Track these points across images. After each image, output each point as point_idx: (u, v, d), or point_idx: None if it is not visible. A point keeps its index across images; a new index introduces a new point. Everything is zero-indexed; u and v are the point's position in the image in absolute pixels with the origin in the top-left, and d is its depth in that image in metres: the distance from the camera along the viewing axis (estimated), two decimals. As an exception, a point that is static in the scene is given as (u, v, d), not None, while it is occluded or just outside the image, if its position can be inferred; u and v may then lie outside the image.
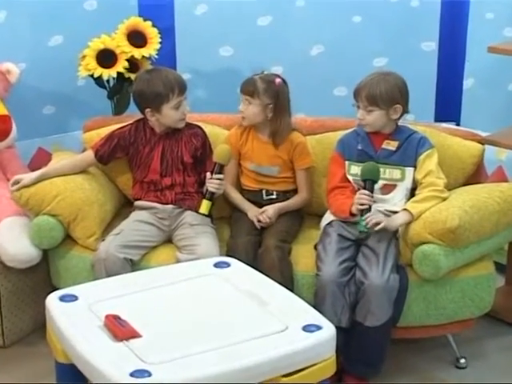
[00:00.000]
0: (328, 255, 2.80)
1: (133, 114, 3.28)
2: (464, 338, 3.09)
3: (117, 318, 2.24)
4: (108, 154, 3.12)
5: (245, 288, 2.46)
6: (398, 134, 2.94)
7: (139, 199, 3.12)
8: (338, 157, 3.00)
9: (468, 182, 3.10)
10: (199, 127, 3.17)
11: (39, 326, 3.09)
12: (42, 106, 3.71)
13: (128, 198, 3.27)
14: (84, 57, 3.45)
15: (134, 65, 3.48)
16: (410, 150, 2.91)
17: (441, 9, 3.71)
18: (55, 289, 2.65)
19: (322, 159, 3.18)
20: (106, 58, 3.43)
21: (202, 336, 2.21)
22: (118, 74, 3.45)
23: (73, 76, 3.52)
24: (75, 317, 2.31)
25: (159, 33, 3.50)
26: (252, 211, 3.07)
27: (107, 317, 2.24)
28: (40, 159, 3.63)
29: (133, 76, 3.40)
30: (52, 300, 2.41)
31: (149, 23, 3.50)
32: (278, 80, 3.09)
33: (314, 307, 2.45)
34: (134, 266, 2.87)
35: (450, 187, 2.94)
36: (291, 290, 2.59)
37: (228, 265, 2.63)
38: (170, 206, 3.06)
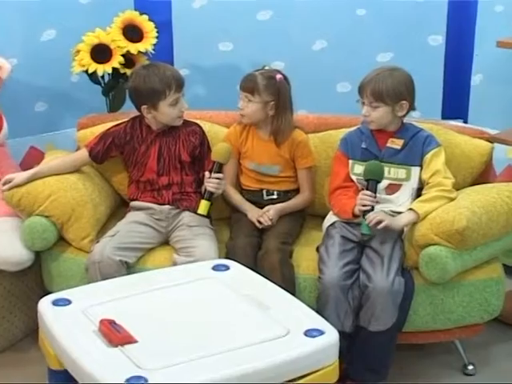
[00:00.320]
0: (331, 258, 2.80)
1: (128, 111, 3.29)
2: (472, 344, 3.09)
3: (112, 322, 2.24)
4: (103, 153, 3.13)
5: (244, 292, 2.47)
6: (404, 132, 2.94)
7: (135, 199, 3.13)
8: (341, 156, 3.01)
9: (476, 182, 3.10)
10: (197, 125, 3.17)
11: (31, 331, 3.10)
12: (34, 102, 3.72)
13: (123, 199, 3.27)
14: (78, 52, 3.46)
15: (129, 60, 3.48)
16: (415, 148, 2.92)
17: (448, 1, 3.72)
18: (48, 292, 2.66)
19: (325, 158, 3.19)
20: (100, 53, 3.44)
21: (199, 341, 2.21)
22: (113, 69, 3.45)
23: (66, 72, 3.53)
24: (69, 322, 2.31)
25: (156, 27, 3.51)
26: (252, 212, 3.08)
27: (102, 321, 2.25)
28: (32, 158, 3.64)
29: (128, 72, 3.41)
30: (44, 304, 2.42)
31: (145, 17, 3.51)
32: (279, 76, 3.09)
33: (317, 311, 2.45)
34: (129, 268, 2.88)
35: (457, 187, 2.95)
36: (293, 294, 2.59)
37: (227, 268, 2.64)
38: (167, 206, 3.07)
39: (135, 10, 3.63)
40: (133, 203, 3.13)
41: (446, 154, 2.95)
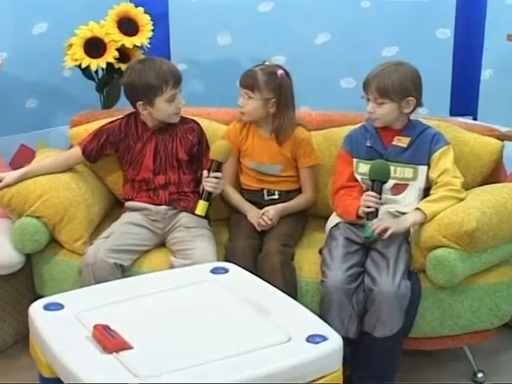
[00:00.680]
0: (334, 260, 2.81)
1: (123, 107, 3.29)
2: (481, 350, 3.10)
3: (106, 328, 2.25)
4: (96, 151, 3.13)
5: (244, 295, 2.47)
6: (410, 130, 2.94)
7: (130, 199, 3.13)
8: (345, 154, 3.01)
9: (486, 182, 3.10)
10: (195, 122, 3.18)
11: (21, 337, 3.10)
12: (25, 98, 3.72)
13: (118, 199, 3.28)
14: (70, 46, 3.46)
15: (124, 54, 3.48)
16: (423, 146, 2.92)
17: (457, -8, 3.73)
18: (39, 297, 2.66)
19: (328, 156, 3.20)
20: (94, 47, 3.44)
21: (197, 348, 2.22)
22: (108, 64, 3.46)
23: (58, 66, 3.53)
24: (61, 327, 2.31)
25: (152, 20, 3.52)
26: (252, 213, 3.08)
27: (96, 327, 2.25)
28: (23, 156, 3.64)
29: (123, 66, 3.41)
30: (36, 309, 2.42)
31: (140, 9, 3.51)
32: (280, 72, 3.09)
33: (319, 316, 2.45)
34: (124, 271, 2.88)
35: (466, 187, 2.95)
36: (294, 298, 2.60)
37: (226, 270, 2.64)
38: (164, 206, 3.07)
39: (130, 2, 3.64)
40: (128, 203, 3.13)
41: (455, 153, 2.95)
